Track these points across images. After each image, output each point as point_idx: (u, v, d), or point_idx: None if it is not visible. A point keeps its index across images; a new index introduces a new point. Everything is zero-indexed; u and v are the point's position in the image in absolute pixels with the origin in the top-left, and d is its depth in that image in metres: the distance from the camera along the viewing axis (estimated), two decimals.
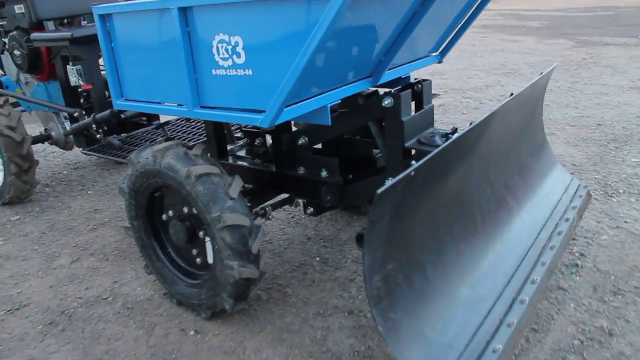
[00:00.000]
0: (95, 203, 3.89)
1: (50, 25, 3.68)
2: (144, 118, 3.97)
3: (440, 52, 2.77)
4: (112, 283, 2.83)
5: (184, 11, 1.96)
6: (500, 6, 16.07)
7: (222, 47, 1.93)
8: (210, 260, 2.36)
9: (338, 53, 1.96)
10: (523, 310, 1.89)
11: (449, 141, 1.76)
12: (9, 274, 3.01)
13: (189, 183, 2.18)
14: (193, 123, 3.96)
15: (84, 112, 3.61)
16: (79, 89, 3.65)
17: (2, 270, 3.04)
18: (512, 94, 2.23)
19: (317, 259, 2.94)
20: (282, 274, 2.81)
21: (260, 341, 2.30)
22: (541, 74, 2.52)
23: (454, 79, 7.17)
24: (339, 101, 2.14)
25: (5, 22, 3.75)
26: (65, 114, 3.81)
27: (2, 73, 4.21)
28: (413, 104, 2.40)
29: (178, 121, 4.05)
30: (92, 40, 3.21)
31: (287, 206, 2.89)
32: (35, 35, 3.55)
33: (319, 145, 2.73)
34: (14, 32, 3.63)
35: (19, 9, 3.58)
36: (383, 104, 2.22)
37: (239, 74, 1.93)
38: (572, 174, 3.15)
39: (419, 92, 2.43)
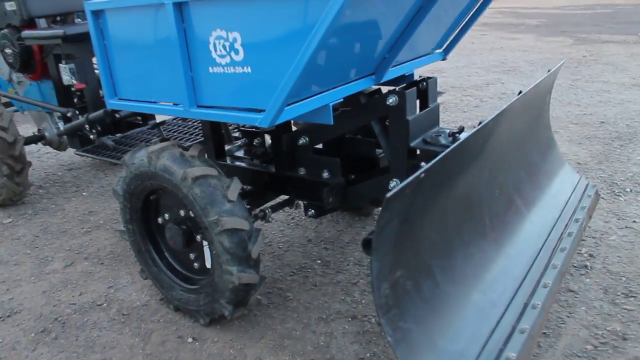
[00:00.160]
0: (89, 205, 3.81)
1: (42, 22, 3.61)
2: (139, 118, 3.88)
3: (444, 49, 2.70)
4: (107, 288, 2.75)
5: (179, 6, 1.88)
6: (500, 4, 16.02)
7: (219, 43, 1.85)
8: (208, 264, 2.28)
9: (341, 49, 1.89)
10: (536, 316, 1.82)
11: (460, 141, 1.69)
12: (0, 279, 2.92)
13: (185, 185, 2.10)
14: (189, 123, 3.89)
15: (77, 112, 3.54)
16: (72, 88, 3.57)
17: None
18: (520, 92, 2.16)
19: (318, 261, 2.86)
20: (282, 277, 2.73)
21: (261, 348, 2.23)
22: (549, 71, 2.44)
23: (453, 76, 7.11)
24: (342, 100, 2.06)
25: None
26: (59, 114, 3.73)
27: None
28: (418, 102, 2.33)
29: (174, 121, 3.98)
30: (85, 38, 3.16)
31: (286, 208, 2.81)
32: (26, 33, 3.47)
33: (320, 145, 2.65)
34: (5, 30, 3.56)
35: (10, 5, 3.50)
36: (387, 103, 2.15)
37: (237, 71, 1.86)
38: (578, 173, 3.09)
39: (424, 90, 2.36)
